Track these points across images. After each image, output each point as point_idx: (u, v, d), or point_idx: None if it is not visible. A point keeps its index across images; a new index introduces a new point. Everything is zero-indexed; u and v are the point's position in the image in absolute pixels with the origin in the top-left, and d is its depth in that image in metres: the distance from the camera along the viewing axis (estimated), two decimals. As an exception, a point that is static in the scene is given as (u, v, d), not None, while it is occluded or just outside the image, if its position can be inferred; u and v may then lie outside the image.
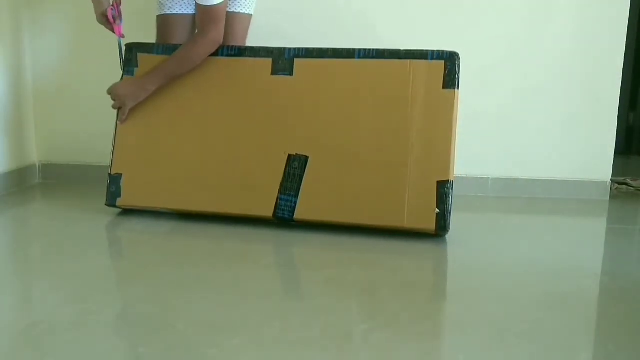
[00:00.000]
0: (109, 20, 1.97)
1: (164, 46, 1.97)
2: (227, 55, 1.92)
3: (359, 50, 1.82)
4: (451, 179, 1.75)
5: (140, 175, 1.96)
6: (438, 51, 1.78)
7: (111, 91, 1.96)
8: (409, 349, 1.11)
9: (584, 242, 1.93)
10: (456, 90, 1.78)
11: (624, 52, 2.42)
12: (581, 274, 1.57)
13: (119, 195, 1.95)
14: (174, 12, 1.98)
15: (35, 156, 2.49)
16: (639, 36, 3.68)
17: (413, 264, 1.63)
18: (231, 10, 1.97)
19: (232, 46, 1.92)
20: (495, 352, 1.11)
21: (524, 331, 1.20)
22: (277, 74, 1.86)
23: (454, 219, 1.76)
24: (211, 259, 1.59)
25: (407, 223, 1.77)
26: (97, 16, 1.99)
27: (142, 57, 1.97)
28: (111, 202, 1.98)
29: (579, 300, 1.38)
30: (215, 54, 1.90)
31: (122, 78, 2.00)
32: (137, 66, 1.98)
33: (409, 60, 1.79)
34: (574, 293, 1.42)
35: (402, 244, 1.73)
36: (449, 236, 1.79)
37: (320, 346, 1.10)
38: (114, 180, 1.96)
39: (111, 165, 1.98)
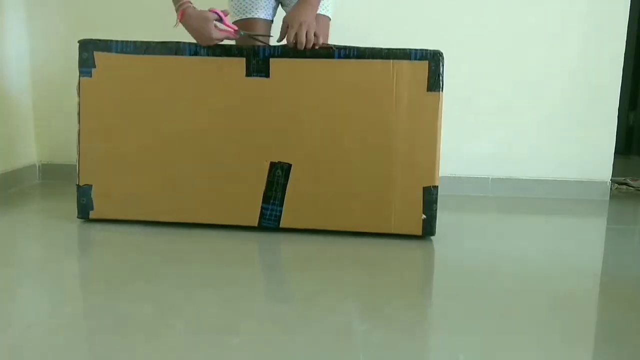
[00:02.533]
0: (223, 21, 1.73)
1: (123, 43, 1.79)
2: (196, 54, 1.76)
3: (339, 49, 1.73)
4: (436, 184, 1.73)
5: (112, 186, 1.83)
6: (421, 50, 1.70)
7: (293, 19, 1.70)
8: (408, 349, 1.11)
9: (584, 242, 1.92)
10: (440, 92, 1.71)
11: (624, 52, 2.42)
12: (581, 274, 1.56)
13: (92, 208, 1.83)
14: (257, 16, 1.89)
15: (35, 156, 2.49)
16: (639, 36, 3.69)
17: (412, 264, 1.62)
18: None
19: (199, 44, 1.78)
20: (495, 351, 1.11)
21: (524, 331, 1.20)
22: (252, 76, 1.75)
23: (455, 219, 1.76)
24: (208, 260, 1.57)
25: (394, 229, 1.75)
26: (207, 35, 1.69)
27: (99, 55, 1.79)
28: (83, 215, 1.84)
29: (579, 300, 1.38)
30: (181, 52, 1.77)
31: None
32: (94, 66, 1.79)
33: (391, 61, 1.71)
34: (574, 293, 1.42)
35: (400, 244, 1.71)
36: (449, 236, 1.78)
37: (320, 346, 1.10)
38: (84, 192, 1.83)
39: (78, 176, 1.84)
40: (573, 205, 2.37)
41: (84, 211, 1.84)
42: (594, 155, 2.46)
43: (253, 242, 1.74)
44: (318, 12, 1.85)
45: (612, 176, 2.49)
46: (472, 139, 2.45)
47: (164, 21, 2.41)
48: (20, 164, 2.39)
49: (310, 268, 1.53)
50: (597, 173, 2.46)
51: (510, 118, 2.45)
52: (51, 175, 2.48)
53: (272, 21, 1.96)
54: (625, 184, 2.68)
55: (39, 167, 2.49)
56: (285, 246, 1.73)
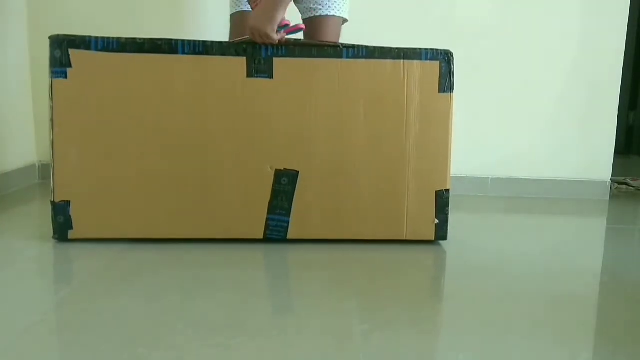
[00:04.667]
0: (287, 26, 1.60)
1: (104, 40, 1.58)
2: (191, 53, 1.59)
3: (347, 48, 1.62)
4: (448, 187, 1.67)
5: (95, 201, 1.62)
6: (432, 50, 1.62)
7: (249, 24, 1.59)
8: (409, 349, 1.10)
9: (584, 242, 1.90)
10: (452, 93, 1.64)
11: (623, 52, 2.42)
12: (581, 274, 1.55)
13: (70, 227, 1.61)
14: (246, 9, 1.82)
15: (34, 156, 2.49)
16: (639, 35, 3.68)
17: (412, 264, 1.60)
18: (319, 15, 1.84)
19: (196, 41, 1.63)
20: (495, 352, 1.10)
21: (524, 331, 1.19)
22: (254, 76, 1.61)
23: (454, 219, 1.75)
24: (208, 261, 1.52)
25: (407, 235, 1.68)
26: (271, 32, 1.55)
27: (75, 54, 1.59)
28: (61, 235, 1.62)
29: (579, 300, 1.37)
30: (174, 50, 1.59)
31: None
32: (70, 66, 1.59)
33: (402, 61, 1.62)
34: (574, 293, 1.41)
35: (401, 245, 1.67)
36: (449, 236, 1.75)
37: (320, 346, 1.10)
38: (61, 210, 1.60)
39: (53, 191, 1.61)
40: (573, 205, 2.37)
41: (62, 231, 1.62)
42: (594, 155, 2.45)
43: (259, 242, 1.67)
44: (327, 13, 1.81)
45: (612, 176, 2.49)
46: (472, 138, 2.45)
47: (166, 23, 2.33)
48: (21, 163, 2.36)
49: (313, 270, 1.52)
50: (597, 173, 2.46)
51: (510, 118, 2.44)
52: (51, 175, 2.47)
53: None
54: (625, 183, 2.68)
55: (38, 167, 2.46)
56: (290, 252, 1.66)
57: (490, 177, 2.46)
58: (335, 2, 1.84)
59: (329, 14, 1.84)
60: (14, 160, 2.32)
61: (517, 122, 2.43)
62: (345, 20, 1.91)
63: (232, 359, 1.04)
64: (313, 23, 1.85)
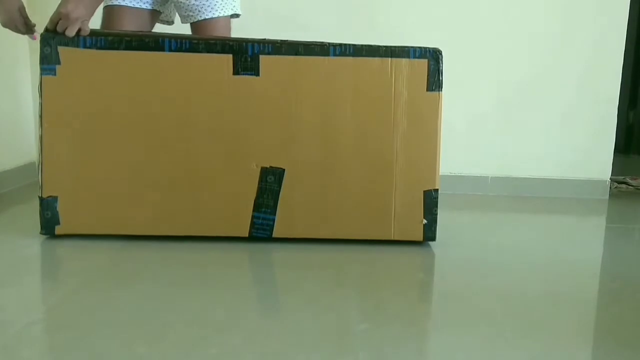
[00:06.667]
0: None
1: (92, 37, 1.58)
2: (178, 50, 1.59)
3: (335, 46, 1.60)
4: (437, 187, 1.64)
5: (81, 197, 1.62)
6: (420, 48, 1.59)
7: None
8: (408, 349, 1.10)
9: (584, 242, 1.88)
10: (440, 92, 1.61)
11: (623, 51, 2.41)
12: (581, 273, 1.55)
13: (57, 222, 1.62)
14: (124, 4, 1.77)
15: (35, 154, 2.49)
16: (639, 35, 3.68)
17: (411, 263, 1.58)
18: (205, 18, 1.80)
19: (183, 39, 1.58)
20: (495, 351, 1.10)
21: (524, 331, 1.19)
22: (240, 74, 1.60)
23: (454, 218, 1.75)
24: (207, 261, 1.52)
25: (394, 235, 1.65)
26: (8, 16, 1.57)
27: (64, 51, 1.58)
28: (48, 230, 1.62)
29: (578, 300, 1.37)
30: (161, 48, 1.58)
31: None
32: (59, 63, 1.58)
33: (389, 59, 1.60)
34: (573, 292, 1.41)
35: (399, 244, 1.66)
36: (447, 235, 1.72)
37: (319, 346, 1.10)
38: (48, 205, 1.60)
39: (41, 187, 1.60)
40: (572, 204, 2.35)
41: (49, 226, 1.62)
42: (594, 154, 2.44)
43: (257, 242, 1.66)
44: (217, 14, 1.77)
45: (612, 175, 2.48)
46: (471, 138, 2.44)
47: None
48: (20, 161, 2.36)
49: (307, 269, 1.51)
50: (597, 172, 2.45)
51: (510, 117, 2.44)
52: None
53: (154, 11, 1.82)
54: (625, 182, 2.68)
55: (38, 165, 2.48)
56: (280, 252, 1.64)
57: (490, 176, 2.45)
58: (213, 3, 1.79)
59: (207, 17, 1.79)
60: (14, 158, 2.32)
61: (517, 121, 2.43)
62: (234, 15, 1.86)
63: (232, 359, 1.04)
64: (199, 27, 1.81)
